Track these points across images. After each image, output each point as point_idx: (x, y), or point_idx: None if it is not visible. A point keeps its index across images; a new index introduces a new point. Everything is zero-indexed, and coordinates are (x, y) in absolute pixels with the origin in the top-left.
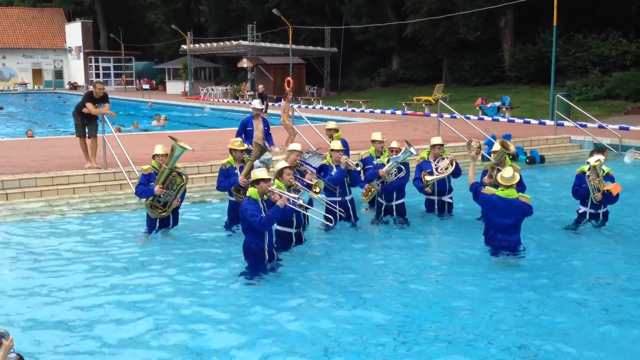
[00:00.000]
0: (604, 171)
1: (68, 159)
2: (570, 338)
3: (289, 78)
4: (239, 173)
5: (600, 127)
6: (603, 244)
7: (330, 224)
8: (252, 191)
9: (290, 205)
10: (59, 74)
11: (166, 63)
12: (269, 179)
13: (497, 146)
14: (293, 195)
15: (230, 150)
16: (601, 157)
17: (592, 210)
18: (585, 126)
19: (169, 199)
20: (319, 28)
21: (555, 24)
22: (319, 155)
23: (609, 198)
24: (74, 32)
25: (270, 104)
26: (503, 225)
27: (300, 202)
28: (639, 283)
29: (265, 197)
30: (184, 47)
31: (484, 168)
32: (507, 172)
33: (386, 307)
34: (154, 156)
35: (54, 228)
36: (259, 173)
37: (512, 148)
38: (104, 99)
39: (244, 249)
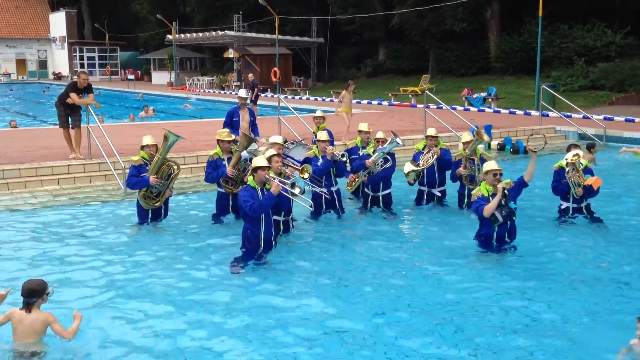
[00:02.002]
0: (582, 164)
1: (52, 149)
2: (558, 331)
3: (276, 69)
4: (226, 164)
5: (585, 117)
6: (587, 236)
7: (311, 209)
8: (250, 179)
9: (284, 193)
10: (43, 64)
11: (151, 53)
12: (267, 167)
13: (469, 136)
14: (288, 182)
15: (218, 141)
16: (579, 151)
17: (575, 205)
18: (570, 117)
19: (162, 188)
20: (306, 18)
21: (540, 14)
22: (304, 145)
23: (590, 191)
24: (58, 22)
25: (260, 94)
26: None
27: (297, 190)
28: (623, 276)
29: (267, 186)
30: (170, 37)
31: (456, 158)
32: (489, 165)
33: (371, 297)
34: (143, 147)
35: (38, 219)
36: (257, 161)
37: (486, 137)
38: (88, 89)
39: (242, 235)
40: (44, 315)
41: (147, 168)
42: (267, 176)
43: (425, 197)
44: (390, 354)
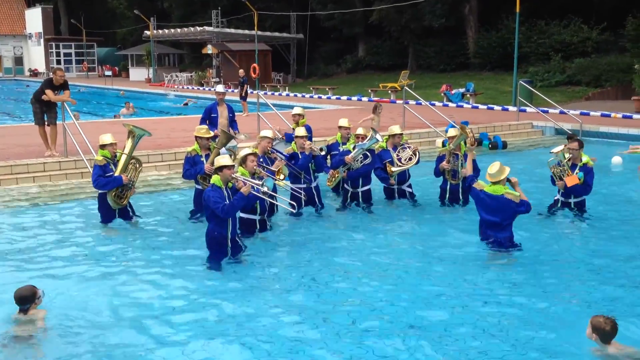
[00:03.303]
0: (565, 158)
1: (27, 147)
2: (549, 326)
3: (255, 65)
4: (204, 161)
5: (561, 112)
6: (569, 231)
7: (294, 210)
8: (215, 178)
9: (254, 193)
10: (19, 60)
11: (129, 49)
12: (232, 166)
13: (454, 131)
14: (257, 182)
15: (196, 137)
16: (560, 147)
17: (563, 199)
18: (547, 112)
19: (128, 187)
20: (285, 14)
21: (517, 10)
22: (285, 142)
23: (575, 189)
24: (34, 18)
25: (251, 91)
26: (490, 221)
27: (265, 189)
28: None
29: (230, 184)
30: (147, 33)
31: (440, 153)
32: (493, 168)
33: (350, 293)
34: (102, 146)
35: (13, 218)
36: (222, 160)
37: (470, 133)
38: (63, 86)
39: (207, 237)
40: (41, 313)
41: (111, 167)
42: (233, 175)
43: (396, 194)
44: (362, 350)
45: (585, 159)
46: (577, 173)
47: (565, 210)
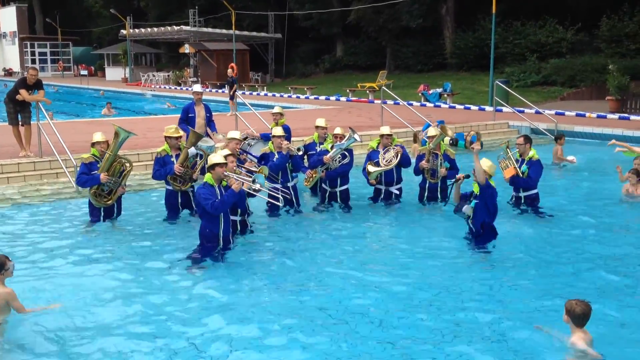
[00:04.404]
0: (510, 152)
1: (1, 147)
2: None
3: (233, 64)
4: (175, 161)
5: (537, 112)
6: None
7: (280, 204)
8: (208, 176)
9: (245, 189)
10: None
11: (105, 48)
12: (225, 164)
13: (434, 131)
14: (248, 179)
15: (165, 137)
16: (505, 141)
17: (515, 193)
18: (522, 112)
19: (114, 186)
20: (263, 14)
21: (494, 11)
22: (263, 141)
23: (515, 181)
24: (8, 17)
25: (238, 92)
26: (493, 219)
27: (257, 186)
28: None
29: (223, 182)
30: (124, 32)
31: (420, 152)
32: (488, 162)
33: (328, 293)
34: (93, 144)
35: None
36: (214, 158)
37: (450, 132)
38: (37, 85)
39: (200, 234)
40: (6, 290)
41: (99, 166)
42: (225, 173)
43: (382, 195)
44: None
45: (531, 153)
46: (522, 167)
47: (521, 207)
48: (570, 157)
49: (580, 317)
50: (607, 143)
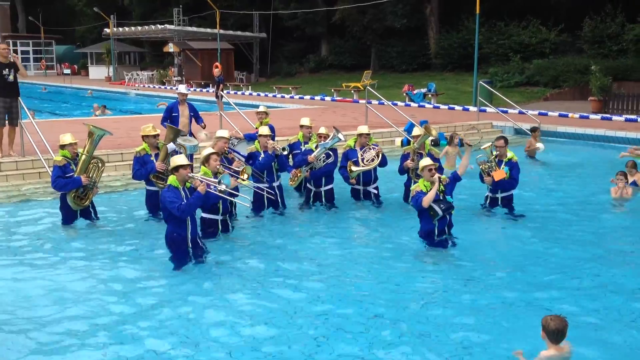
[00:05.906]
0: (492, 153)
1: None
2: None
3: (217, 63)
4: (154, 160)
5: (520, 113)
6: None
7: (249, 206)
8: (172, 179)
9: (212, 191)
10: None
11: (88, 47)
12: (188, 165)
13: (419, 131)
14: (213, 180)
15: (143, 137)
16: (488, 144)
17: (491, 195)
18: (506, 112)
19: (89, 187)
20: (247, 13)
21: (478, 12)
22: (247, 141)
23: (501, 183)
24: None
25: (224, 92)
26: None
27: (222, 187)
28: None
29: (187, 184)
30: (107, 30)
31: (404, 152)
32: (423, 162)
33: (313, 293)
34: (62, 146)
35: None
36: (178, 160)
37: (434, 132)
38: (12, 66)
39: (166, 238)
40: None
41: (72, 167)
42: (189, 175)
43: (361, 195)
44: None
45: (510, 154)
46: (503, 168)
47: (497, 207)
48: (538, 144)
49: (554, 332)
50: (618, 155)
